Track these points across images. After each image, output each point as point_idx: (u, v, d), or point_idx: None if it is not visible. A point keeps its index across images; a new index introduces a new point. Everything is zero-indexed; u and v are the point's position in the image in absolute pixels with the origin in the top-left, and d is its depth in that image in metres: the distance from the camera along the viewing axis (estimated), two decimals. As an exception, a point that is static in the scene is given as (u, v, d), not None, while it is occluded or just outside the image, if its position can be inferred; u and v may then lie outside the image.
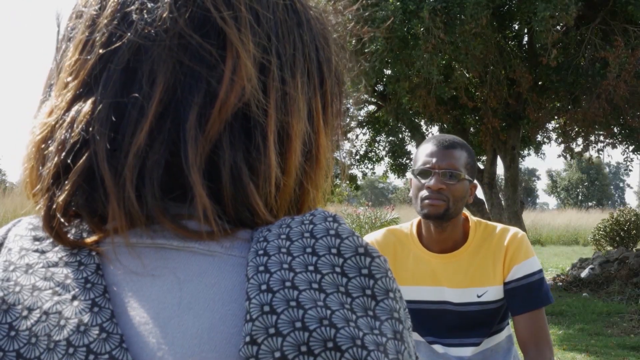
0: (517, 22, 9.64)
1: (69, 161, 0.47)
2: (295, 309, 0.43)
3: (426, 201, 1.78)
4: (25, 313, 0.44)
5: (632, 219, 13.22)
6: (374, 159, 12.37)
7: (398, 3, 7.42)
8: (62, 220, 0.48)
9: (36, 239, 0.49)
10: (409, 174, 1.92)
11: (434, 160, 1.79)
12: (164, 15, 0.48)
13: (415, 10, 7.43)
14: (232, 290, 0.46)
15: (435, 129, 11.47)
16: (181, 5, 0.49)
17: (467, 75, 8.11)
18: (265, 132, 0.49)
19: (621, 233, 13.16)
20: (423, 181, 1.80)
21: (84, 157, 0.47)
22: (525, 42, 10.06)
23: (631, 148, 11.44)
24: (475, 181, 1.90)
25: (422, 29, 7.37)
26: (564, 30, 7.50)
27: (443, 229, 1.83)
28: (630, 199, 73.40)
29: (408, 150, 12.22)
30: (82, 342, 0.43)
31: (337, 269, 0.45)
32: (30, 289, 0.45)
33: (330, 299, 0.44)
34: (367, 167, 12.51)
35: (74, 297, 0.45)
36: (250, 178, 0.49)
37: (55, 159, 0.48)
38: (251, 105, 0.49)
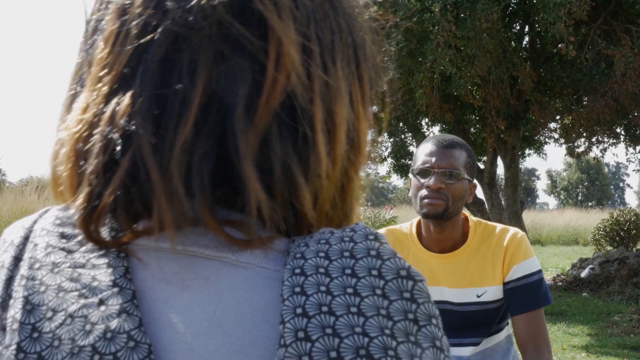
0: (521, 21, 9.64)
1: (114, 157, 0.45)
2: (330, 336, 0.41)
3: (425, 200, 1.78)
4: (49, 314, 0.42)
5: (632, 219, 13.21)
6: (377, 160, 12.35)
7: (418, 4, 7.44)
8: (101, 219, 0.45)
9: (63, 236, 0.47)
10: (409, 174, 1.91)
11: (433, 159, 1.79)
12: (203, 1, 0.46)
13: (428, 6, 7.45)
14: (265, 308, 0.43)
15: (436, 129, 11.47)
16: None
17: (475, 71, 8.09)
18: (313, 121, 0.47)
19: (621, 233, 13.15)
20: (422, 180, 1.79)
21: (128, 153, 0.44)
22: (526, 43, 10.07)
23: (638, 148, 11.43)
24: (475, 181, 1.90)
25: (433, 24, 7.38)
26: (572, 23, 7.50)
27: (442, 228, 1.83)
28: (630, 199, 73.50)
29: (410, 150, 12.21)
30: (109, 349, 0.41)
31: (378, 291, 0.43)
32: (55, 290, 0.43)
33: (370, 324, 0.41)
34: (370, 168, 12.47)
35: (101, 302, 0.42)
36: (300, 170, 0.46)
37: (100, 155, 0.45)
38: (297, 94, 0.47)
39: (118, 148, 0.45)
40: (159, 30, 0.46)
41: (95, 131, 0.46)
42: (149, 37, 0.46)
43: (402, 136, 12.29)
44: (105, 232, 0.46)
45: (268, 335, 0.42)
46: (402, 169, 12.25)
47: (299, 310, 0.41)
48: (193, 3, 0.46)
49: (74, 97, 0.51)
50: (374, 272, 0.44)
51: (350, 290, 0.43)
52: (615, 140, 11.27)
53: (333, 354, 0.40)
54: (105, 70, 0.47)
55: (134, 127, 0.45)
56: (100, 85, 0.47)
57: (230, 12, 0.46)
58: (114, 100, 0.46)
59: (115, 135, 0.45)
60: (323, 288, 0.42)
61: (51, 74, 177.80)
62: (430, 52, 7.54)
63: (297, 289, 0.42)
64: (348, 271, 0.43)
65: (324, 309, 0.42)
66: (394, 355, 0.41)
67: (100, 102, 0.47)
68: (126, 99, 0.46)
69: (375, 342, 0.41)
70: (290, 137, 0.47)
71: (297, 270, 0.44)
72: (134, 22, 0.47)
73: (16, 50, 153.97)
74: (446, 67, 7.56)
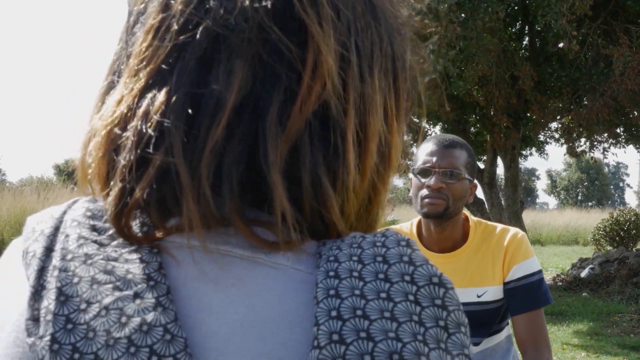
0: (521, 20, 9.65)
1: (147, 153, 0.45)
2: (365, 340, 0.41)
3: (426, 200, 1.78)
4: (83, 306, 0.42)
5: (632, 219, 13.21)
6: (404, 170, 12.31)
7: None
8: (132, 215, 0.45)
9: (94, 228, 0.46)
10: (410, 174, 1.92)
11: (434, 159, 1.79)
12: (245, 3, 0.46)
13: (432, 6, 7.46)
14: (296, 310, 0.43)
15: (437, 129, 11.48)
16: None
17: (476, 71, 8.08)
18: (345, 132, 0.47)
19: (621, 233, 13.16)
20: (423, 180, 1.79)
21: (160, 150, 0.44)
22: (525, 43, 10.07)
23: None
24: (476, 181, 1.90)
25: (437, 25, 7.37)
26: (574, 18, 7.51)
27: (443, 228, 1.83)
28: (630, 199, 73.47)
29: (411, 150, 12.19)
30: (145, 342, 0.40)
31: (411, 297, 0.43)
32: (89, 282, 0.43)
33: (403, 329, 0.41)
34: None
35: (136, 295, 0.42)
36: (329, 181, 0.46)
37: (134, 150, 0.45)
38: (331, 104, 0.46)
39: (151, 144, 0.45)
40: (200, 29, 0.46)
41: (129, 125, 0.46)
42: (189, 34, 0.46)
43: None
44: (136, 227, 0.46)
45: (299, 337, 0.42)
46: (403, 169, 12.23)
47: (333, 313, 0.41)
48: (236, 4, 0.46)
49: (110, 87, 0.51)
50: (407, 278, 0.44)
51: (383, 295, 0.43)
52: (614, 140, 11.28)
53: (367, 358, 0.40)
54: (143, 64, 0.47)
55: (167, 124, 0.45)
56: (136, 78, 0.47)
57: (271, 17, 0.46)
58: (149, 95, 0.46)
59: (149, 131, 0.45)
60: (357, 292, 0.42)
61: (51, 74, 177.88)
62: (434, 54, 7.53)
63: (332, 292, 0.42)
64: (381, 276, 0.43)
65: (359, 312, 0.42)
66: None
67: (135, 95, 0.47)
68: (161, 95, 0.45)
69: (409, 347, 0.41)
70: (321, 147, 0.46)
71: (332, 273, 0.43)
72: (176, 18, 0.47)
73: (16, 50, 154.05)
74: (448, 67, 7.56)
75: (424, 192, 1.79)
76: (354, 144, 0.48)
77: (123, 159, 0.46)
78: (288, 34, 0.46)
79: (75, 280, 0.43)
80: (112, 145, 0.47)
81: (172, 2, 0.48)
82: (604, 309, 7.89)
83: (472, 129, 11.06)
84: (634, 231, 13.13)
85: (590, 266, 10.18)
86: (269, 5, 0.46)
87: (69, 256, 0.44)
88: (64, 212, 0.48)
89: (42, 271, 0.44)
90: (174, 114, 0.45)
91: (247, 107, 0.45)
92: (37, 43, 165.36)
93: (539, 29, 9.00)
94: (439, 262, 1.85)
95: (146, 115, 0.45)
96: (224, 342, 0.42)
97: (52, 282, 0.43)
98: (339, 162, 0.47)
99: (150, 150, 0.45)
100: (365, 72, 0.49)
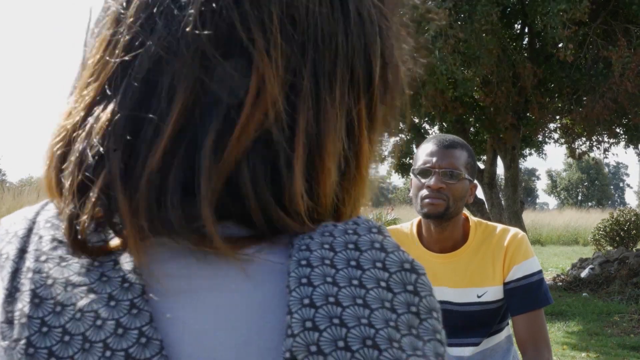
0: (520, 21, 9.65)
1: (89, 175, 0.44)
2: (338, 327, 0.41)
3: (426, 200, 1.78)
4: (58, 309, 0.41)
5: (632, 219, 13.21)
6: (377, 159, 12.29)
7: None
8: (85, 234, 0.44)
9: None
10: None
11: (434, 159, 1.79)
12: (187, 28, 0.44)
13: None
14: (270, 300, 0.43)
15: (436, 129, 11.48)
16: (207, 18, 0.44)
17: (480, 72, 8.09)
18: (290, 159, 0.45)
19: (621, 233, 13.16)
20: (423, 180, 1.80)
21: (101, 175, 0.44)
22: (525, 44, 10.07)
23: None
24: (476, 181, 1.90)
25: (439, 32, 7.36)
26: (576, 28, 7.53)
27: (443, 228, 1.83)
28: (630, 199, 73.38)
29: (412, 149, 12.21)
30: (120, 345, 0.40)
31: (383, 284, 0.43)
32: (63, 284, 0.42)
33: (375, 316, 0.42)
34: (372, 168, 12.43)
35: (111, 297, 0.42)
36: (279, 207, 0.45)
37: (76, 172, 0.45)
38: (273, 132, 0.45)
39: (92, 168, 0.44)
40: (145, 47, 0.45)
41: (74, 146, 0.45)
42: (134, 53, 0.45)
43: (403, 136, 12.28)
44: (96, 238, 0.45)
45: (274, 326, 0.43)
46: (402, 168, 12.25)
47: (306, 301, 0.42)
48: (179, 27, 0.45)
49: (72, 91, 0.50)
50: (379, 265, 0.44)
51: (355, 282, 0.43)
52: (615, 140, 11.29)
53: (341, 344, 0.40)
54: (93, 78, 0.47)
55: (106, 148, 0.44)
56: (85, 92, 0.47)
57: (213, 44, 0.44)
58: (94, 114, 0.45)
59: (90, 155, 0.44)
60: (329, 279, 0.43)
61: (52, 74, 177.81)
62: (441, 60, 7.48)
63: (304, 280, 0.42)
64: (353, 263, 0.44)
65: (331, 299, 0.42)
66: (398, 347, 0.41)
67: (82, 110, 0.46)
68: (104, 115, 0.45)
69: (381, 333, 0.41)
70: (265, 173, 0.45)
71: (303, 262, 0.43)
72: (124, 33, 0.46)
73: (16, 50, 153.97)
74: (456, 72, 7.55)
75: (424, 192, 1.79)
76: (304, 169, 0.46)
77: (68, 180, 0.45)
78: (232, 59, 0.45)
79: (49, 282, 0.43)
80: (58, 164, 0.46)
81: (124, 16, 0.47)
82: (604, 309, 7.89)
83: (472, 129, 11.06)
84: (634, 231, 13.13)
85: (590, 266, 10.18)
86: (212, 31, 0.44)
87: (43, 257, 0.44)
88: (37, 214, 0.48)
89: (15, 273, 0.44)
90: (113, 138, 0.44)
91: (185, 135, 0.44)
92: (37, 43, 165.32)
93: (539, 30, 9.00)
94: (439, 262, 1.86)
95: (89, 136, 0.45)
96: (199, 337, 0.43)
97: (26, 284, 0.43)
98: (285, 189, 0.45)
99: (91, 175, 0.44)
100: (323, 91, 0.47)
